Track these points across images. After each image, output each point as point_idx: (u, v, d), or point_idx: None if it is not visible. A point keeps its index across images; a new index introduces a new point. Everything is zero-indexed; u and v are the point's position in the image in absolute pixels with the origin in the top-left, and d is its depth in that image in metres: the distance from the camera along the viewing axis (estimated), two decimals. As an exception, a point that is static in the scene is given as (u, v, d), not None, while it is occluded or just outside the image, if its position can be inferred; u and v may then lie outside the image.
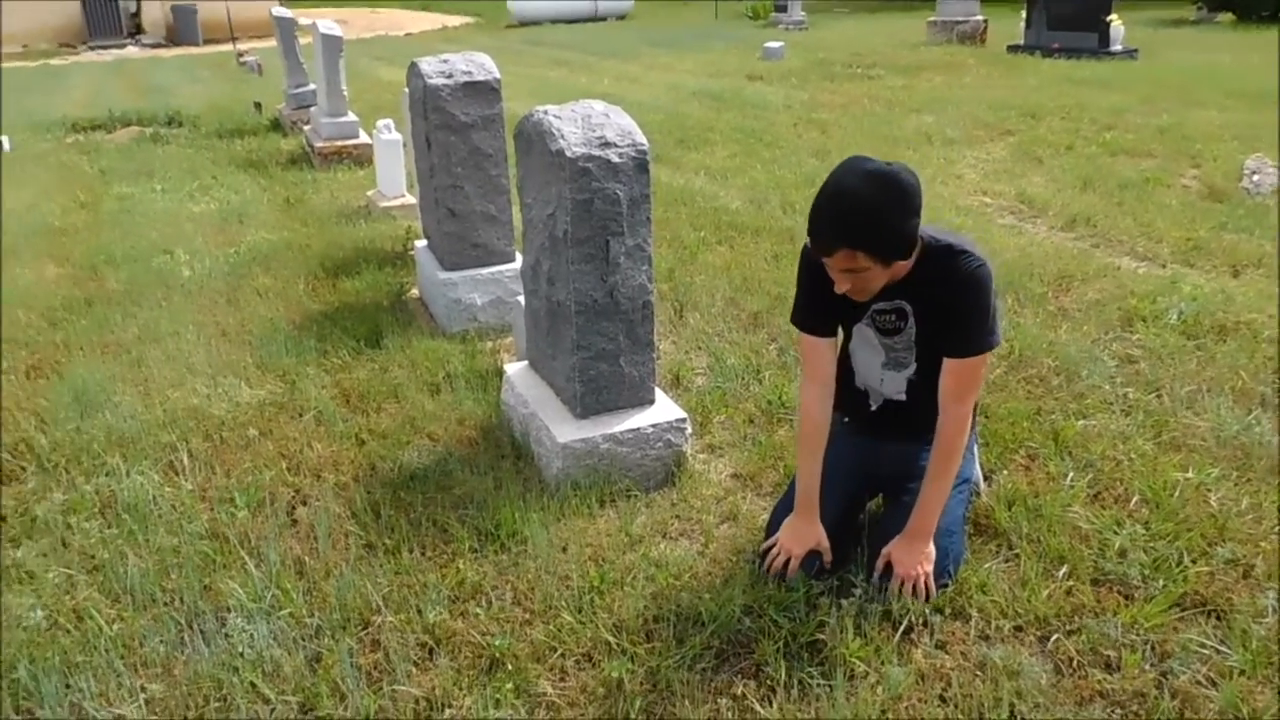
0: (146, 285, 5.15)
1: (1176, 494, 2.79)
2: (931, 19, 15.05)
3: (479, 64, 4.33)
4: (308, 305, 4.80)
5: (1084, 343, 3.86)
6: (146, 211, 6.81)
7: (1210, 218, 5.44)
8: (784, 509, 2.62)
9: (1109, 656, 2.23)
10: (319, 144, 8.37)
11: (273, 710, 2.20)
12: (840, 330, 2.61)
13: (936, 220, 5.48)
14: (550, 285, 3.10)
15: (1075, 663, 2.22)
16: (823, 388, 2.57)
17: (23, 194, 7.60)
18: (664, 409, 3.17)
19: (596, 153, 2.82)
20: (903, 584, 2.39)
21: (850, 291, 2.35)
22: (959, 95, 9.65)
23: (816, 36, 17.66)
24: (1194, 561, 2.51)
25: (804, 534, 2.51)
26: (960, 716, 2.07)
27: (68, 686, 2.28)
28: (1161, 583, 2.44)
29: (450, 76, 4.24)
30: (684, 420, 3.15)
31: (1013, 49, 12.98)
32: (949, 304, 2.36)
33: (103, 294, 5.08)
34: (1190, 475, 2.90)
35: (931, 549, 2.42)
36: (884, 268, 2.28)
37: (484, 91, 4.29)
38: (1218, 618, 2.34)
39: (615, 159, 2.84)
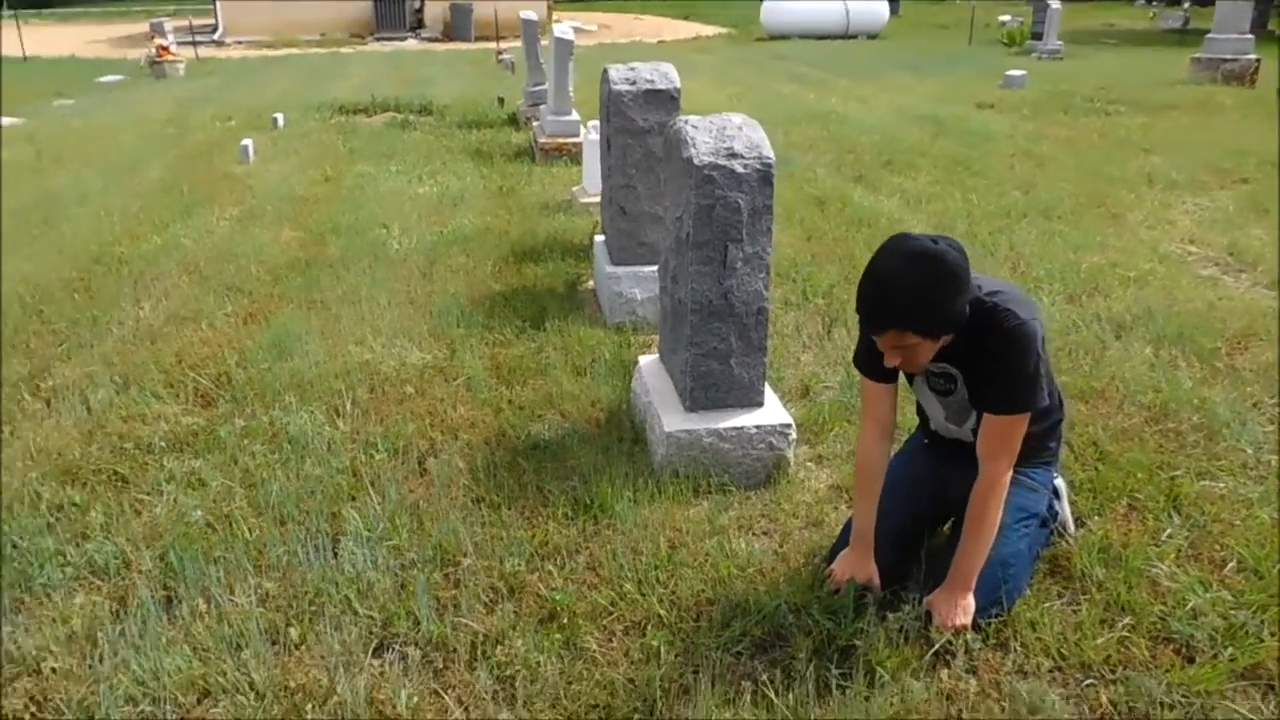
0: (358, 254, 5.75)
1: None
2: (1196, 55, 14.04)
3: (662, 73, 4.58)
4: (490, 285, 5.22)
5: (1242, 404, 3.65)
6: (377, 189, 7.54)
7: None
8: (847, 536, 2.68)
9: (1145, 712, 2.20)
10: (543, 140, 8.93)
11: (356, 620, 2.52)
12: (900, 375, 2.61)
13: (1129, 264, 5.27)
14: (674, 284, 3.31)
15: (1104, 713, 2.20)
16: (880, 430, 2.61)
17: (282, 165, 8.57)
18: (772, 412, 3.30)
19: (722, 162, 3.00)
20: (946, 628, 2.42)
21: (901, 365, 2.39)
22: (1200, 138, 9.04)
23: (1069, 67, 16.86)
24: (1273, 635, 2.40)
25: (857, 568, 2.57)
26: (965, 737, 2.12)
27: (203, 574, 2.70)
28: (1230, 651, 2.35)
29: (634, 84, 4.52)
30: (789, 426, 3.26)
31: (1284, 92, 11.93)
32: (989, 363, 2.37)
33: (321, 258, 5.72)
34: (1307, 551, 2.74)
35: (970, 601, 2.42)
36: (933, 342, 2.31)
37: (664, 100, 4.54)
38: (1281, 694, 2.24)
39: (740, 169, 3.01)
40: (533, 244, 5.96)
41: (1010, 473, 2.42)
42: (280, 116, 10.81)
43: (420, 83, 14.98)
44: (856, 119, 10.62)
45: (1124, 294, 4.85)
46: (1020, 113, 10.86)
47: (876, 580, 2.56)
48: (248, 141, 8.91)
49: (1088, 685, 2.27)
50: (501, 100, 12.03)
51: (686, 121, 3.17)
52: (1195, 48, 14.86)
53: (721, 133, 3.08)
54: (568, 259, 5.66)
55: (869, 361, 2.54)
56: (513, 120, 11.06)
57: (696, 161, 3.00)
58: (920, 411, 2.78)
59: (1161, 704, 2.20)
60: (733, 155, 3.01)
